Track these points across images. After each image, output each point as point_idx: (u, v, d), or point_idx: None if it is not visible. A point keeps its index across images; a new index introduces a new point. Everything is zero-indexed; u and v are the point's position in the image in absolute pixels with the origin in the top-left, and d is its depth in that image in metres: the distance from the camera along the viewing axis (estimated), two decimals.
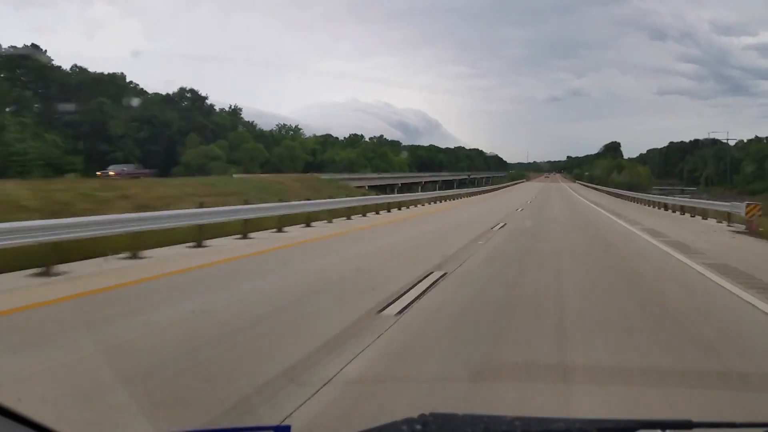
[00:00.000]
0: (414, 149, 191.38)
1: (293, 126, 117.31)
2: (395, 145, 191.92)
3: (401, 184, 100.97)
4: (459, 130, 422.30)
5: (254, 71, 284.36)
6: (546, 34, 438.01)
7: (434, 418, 1.37)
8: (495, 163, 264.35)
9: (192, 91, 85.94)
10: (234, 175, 52.34)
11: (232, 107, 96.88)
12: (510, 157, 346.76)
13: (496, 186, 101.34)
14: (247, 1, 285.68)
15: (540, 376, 4.73)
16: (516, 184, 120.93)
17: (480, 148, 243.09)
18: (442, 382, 4.67)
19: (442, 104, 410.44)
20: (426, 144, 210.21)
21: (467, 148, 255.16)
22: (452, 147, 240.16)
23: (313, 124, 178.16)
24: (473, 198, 57.27)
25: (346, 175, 77.91)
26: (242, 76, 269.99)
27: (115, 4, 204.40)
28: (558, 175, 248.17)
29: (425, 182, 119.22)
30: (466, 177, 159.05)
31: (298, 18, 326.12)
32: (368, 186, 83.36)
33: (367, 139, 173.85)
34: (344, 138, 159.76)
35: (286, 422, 3.51)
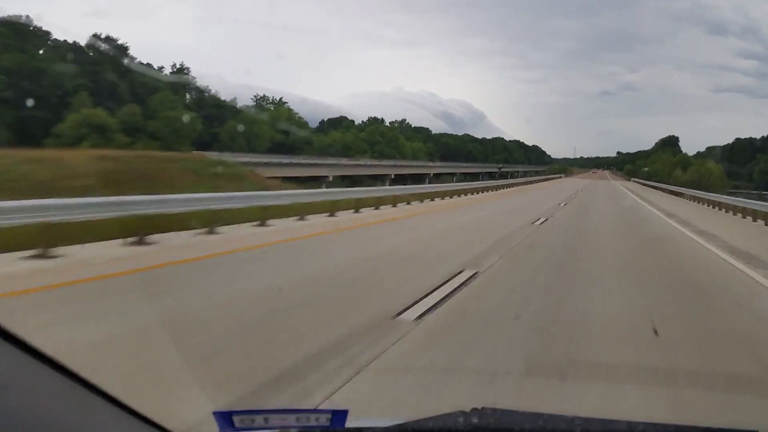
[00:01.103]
0: (438, 137, 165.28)
1: (276, 99, 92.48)
2: (421, 131, 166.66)
3: (394, 175, 75.09)
4: (504, 122, 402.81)
5: (299, 59, 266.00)
6: (598, 26, 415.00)
7: (492, 412, 1.34)
8: (536, 156, 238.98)
9: (109, 39, 61.91)
10: None
11: (179, 66, 72.73)
12: (556, 151, 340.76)
13: (519, 181, 73.76)
14: None
15: None
16: (550, 179, 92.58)
17: (521, 140, 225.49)
18: None
19: (487, 96, 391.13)
20: (471, 135, 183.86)
21: (507, 139, 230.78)
22: (489, 137, 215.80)
23: (358, 113, 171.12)
24: (484, 196, 38.45)
25: (285, 158, 52.85)
26: (288, 63, 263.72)
27: None
28: (606, 171, 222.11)
29: (435, 174, 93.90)
30: (497, 170, 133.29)
31: (345, 6, 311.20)
32: (335, 176, 58.04)
33: (387, 124, 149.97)
34: (362, 122, 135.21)
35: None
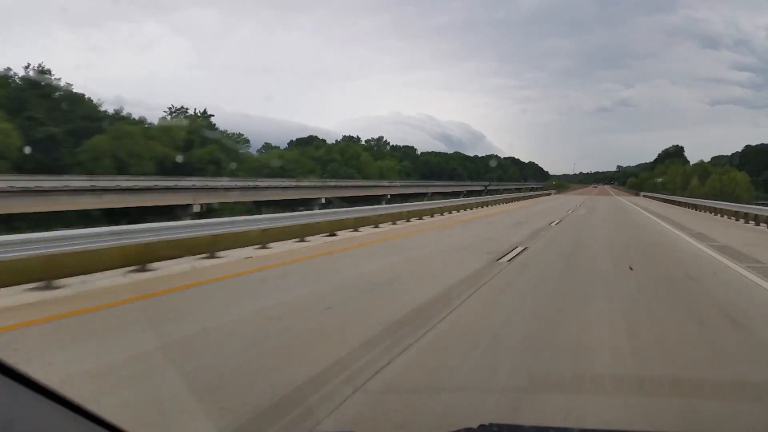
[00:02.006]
0: (418, 156, 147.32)
1: (200, 112, 73.34)
2: (399, 149, 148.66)
3: (325, 199, 55.33)
4: (503, 141, 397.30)
5: (298, 87, 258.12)
6: (591, 44, 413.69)
7: (498, 428, 1.31)
8: (533, 172, 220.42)
9: None
10: None
11: (37, 67, 53.54)
12: (555, 168, 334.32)
13: (492, 199, 53.75)
14: (290, 19, 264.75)
15: None
16: (534, 198, 72.09)
17: (517, 157, 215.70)
18: None
19: (485, 116, 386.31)
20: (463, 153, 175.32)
21: (501, 156, 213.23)
22: (481, 155, 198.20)
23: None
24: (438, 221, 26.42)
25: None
26: (286, 91, 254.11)
27: (166, 23, 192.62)
28: (607, 186, 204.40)
29: (400, 194, 74.82)
30: (483, 188, 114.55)
31: (341, 34, 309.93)
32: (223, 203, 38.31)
33: (363, 143, 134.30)
34: (336, 140, 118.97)
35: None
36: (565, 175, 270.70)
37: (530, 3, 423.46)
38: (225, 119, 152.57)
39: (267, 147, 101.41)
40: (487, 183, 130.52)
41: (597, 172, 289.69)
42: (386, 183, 74.15)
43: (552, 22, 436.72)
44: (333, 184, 61.95)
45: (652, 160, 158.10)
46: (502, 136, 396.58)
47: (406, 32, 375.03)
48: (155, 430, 3.42)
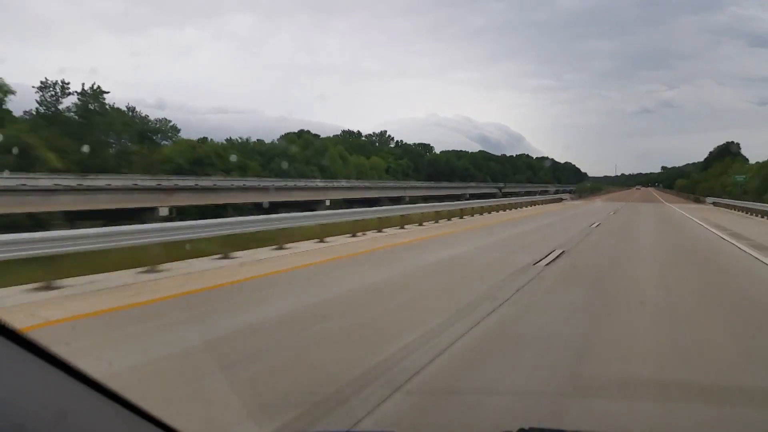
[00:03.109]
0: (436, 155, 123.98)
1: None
2: (411, 148, 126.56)
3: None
4: (543, 143, 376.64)
5: (336, 89, 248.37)
6: (632, 45, 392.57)
7: None
8: (569, 174, 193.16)
9: None
10: None
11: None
12: (596, 170, 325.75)
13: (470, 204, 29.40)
14: (328, 23, 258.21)
15: None
16: (545, 203, 45.90)
17: (551, 157, 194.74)
18: None
19: (524, 118, 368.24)
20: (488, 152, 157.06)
21: (534, 157, 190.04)
22: (509, 155, 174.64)
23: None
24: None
25: None
26: (325, 94, 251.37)
27: (205, 29, 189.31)
28: (652, 189, 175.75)
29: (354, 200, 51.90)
30: (498, 190, 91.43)
31: (377, 38, 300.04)
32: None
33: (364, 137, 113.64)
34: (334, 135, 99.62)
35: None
36: (606, 177, 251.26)
37: (570, 4, 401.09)
38: (266, 124, 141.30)
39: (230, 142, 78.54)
40: (502, 185, 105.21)
41: (640, 174, 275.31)
42: (320, 183, 50.25)
43: (592, 22, 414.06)
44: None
45: (699, 160, 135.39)
46: (541, 137, 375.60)
47: (443, 34, 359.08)
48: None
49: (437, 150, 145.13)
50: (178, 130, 66.20)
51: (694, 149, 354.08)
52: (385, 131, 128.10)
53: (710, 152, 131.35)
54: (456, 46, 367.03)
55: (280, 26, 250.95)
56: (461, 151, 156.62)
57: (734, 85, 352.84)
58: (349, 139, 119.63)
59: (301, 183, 50.14)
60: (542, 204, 37.73)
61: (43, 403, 0.82)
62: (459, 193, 78.87)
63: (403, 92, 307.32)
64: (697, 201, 53.22)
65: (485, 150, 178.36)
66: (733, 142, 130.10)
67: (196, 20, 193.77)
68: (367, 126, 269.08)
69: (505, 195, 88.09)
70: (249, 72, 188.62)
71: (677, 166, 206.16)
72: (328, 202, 47.38)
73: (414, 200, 59.69)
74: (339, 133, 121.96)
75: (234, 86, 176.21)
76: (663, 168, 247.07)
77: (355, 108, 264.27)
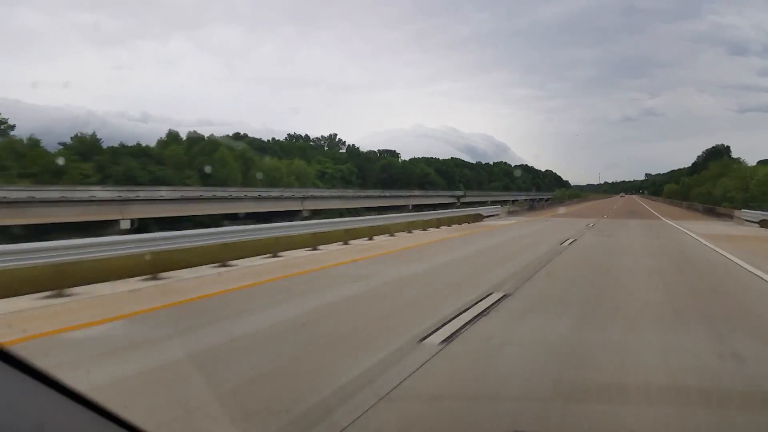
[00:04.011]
0: (372, 160, 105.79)
1: None
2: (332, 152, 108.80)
3: None
4: (527, 152, 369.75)
5: (321, 101, 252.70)
6: (615, 53, 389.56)
7: None
8: (551, 181, 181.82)
9: None
10: None
11: None
12: (580, 178, 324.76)
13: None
14: (312, 35, 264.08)
15: None
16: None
17: (532, 165, 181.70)
18: None
19: (509, 127, 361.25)
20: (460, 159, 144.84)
21: (512, 164, 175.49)
22: (485, 162, 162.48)
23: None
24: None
25: None
26: (310, 106, 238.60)
27: (191, 41, 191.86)
28: (636, 196, 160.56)
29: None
30: (456, 199, 78.48)
31: (363, 49, 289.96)
32: None
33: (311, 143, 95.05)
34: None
35: None
36: (589, 185, 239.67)
37: (553, 13, 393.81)
38: (255, 135, 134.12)
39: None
40: (461, 193, 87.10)
41: (623, 182, 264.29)
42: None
43: (576, 31, 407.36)
44: None
45: (683, 166, 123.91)
46: (526, 147, 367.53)
47: (428, 44, 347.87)
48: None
49: (406, 158, 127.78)
50: (12, 126, 47.38)
51: (678, 156, 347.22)
52: (335, 134, 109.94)
53: (698, 156, 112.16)
54: (441, 56, 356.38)
55: (264, 38, 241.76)
56: (431, 158, 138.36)
57: (715, 93, 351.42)
58: (295, 142, 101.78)
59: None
60: (447, 225, 19.56)
61: (21, 415, 0.79)
62: (401, 204, 60.92)
63: (389, 103, 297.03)
64: (713, 214, 33.80)
65: (471, 160, 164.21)
66: (722, 144, 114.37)
67: (180, 32, 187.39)
68: (355, 137, 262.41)
69: (464, 205, 70.75)
70: (234, 84, 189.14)
71: (662, 172, 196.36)
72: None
73: (330, 214, 41.69)
74: (284, 137, 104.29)
75: (219, 98, 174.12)
76: (647, 175, 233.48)
77: (340, 120, 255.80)
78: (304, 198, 44.80)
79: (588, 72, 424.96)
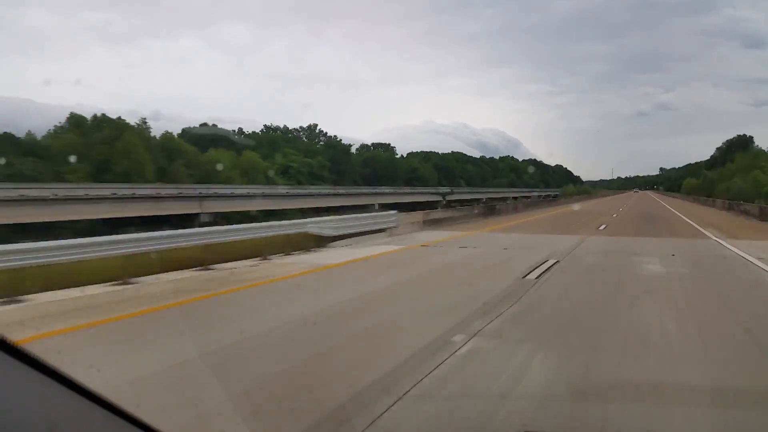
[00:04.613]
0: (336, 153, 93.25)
1: None
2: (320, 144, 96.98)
3: None
4: (539, 148, 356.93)
5: (331, 98, 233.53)
6: (627, 48, 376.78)
7: None
8: (561, 177, 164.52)
9: None
10: None
11: None
12: (593, 173, 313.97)
13: None
14: (321, 33, 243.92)
15: None
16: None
17: (540, 160, 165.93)
18: None
19: (521, 123, 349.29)
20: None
21: (520, 159, 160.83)
22: (490, 157, 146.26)
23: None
24: None
25: None
26: (320, 103, 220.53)
27: (202, 39, 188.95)
28: (651, 192, 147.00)
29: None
30: (441, 197, 67.26)
31: (372, 46, 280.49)
32: None
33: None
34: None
35: None
36: (602, 181, 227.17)
37: (564, 8, 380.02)
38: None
39: None
40: (448, 190, 74.37)
41: (637, 177, 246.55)
42: None
43: (587, 26, 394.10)
44: None
45: (698, 160, 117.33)
46: (538, 142, 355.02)
47: (438, 40, 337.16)
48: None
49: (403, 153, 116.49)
50: None
51: (692, 151, 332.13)
52: (316, 125, 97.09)
53: (717, 148, 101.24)
54: (451, 52, 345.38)
55: (274, 35, 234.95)
56: (430, 152, 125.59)
57: (729, 87, 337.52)
58: (269, 133, 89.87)
59: None
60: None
61: (35, 413, 0.78)
62: (365, 203, 48.84)
63: (399, 100, 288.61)
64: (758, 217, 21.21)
65: (485, 156, 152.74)
66: (745, 135, 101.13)
67: (190, 31, 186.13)
68: (366, 134, 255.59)
69: (450, 204, 58.75)
70: (244, 81, 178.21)
71: (677, 166, 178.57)
72: None
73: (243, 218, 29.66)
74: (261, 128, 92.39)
75: (229, 96, 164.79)
76: (661, 170, 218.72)
77: (350, 116, 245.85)
78: (203, 197, 32.65)
79: (600, 67, 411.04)
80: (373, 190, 53.87)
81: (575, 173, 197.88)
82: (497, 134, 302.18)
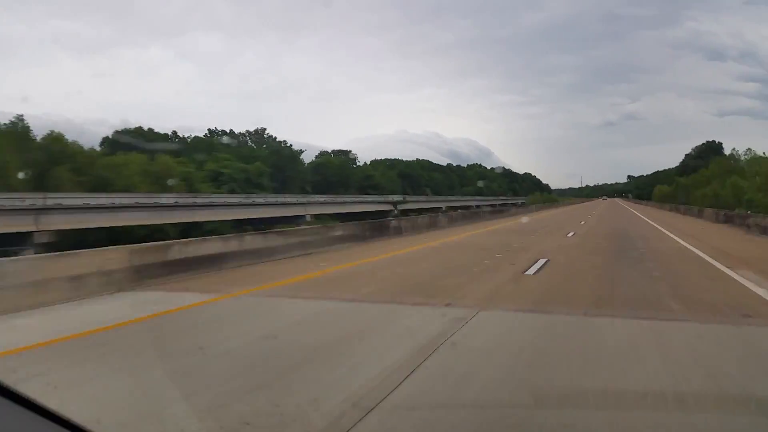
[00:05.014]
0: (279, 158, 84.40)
1: None
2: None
3: None
4: (511, 157, 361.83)
5: (304, 108, 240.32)
6: (596, 59, 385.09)
7: None
8: (530, 185, 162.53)
9: None
10: None
11: None
12: (562, 182, 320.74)
13: None
14: (294, 43, 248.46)
15: None
16: None
17: (509, 168, 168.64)
18: None
19: (492, 133, 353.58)
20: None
21: (488, 168, 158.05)
22: (457, 165, 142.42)
23: (362, 156, 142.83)
24: None
25: None
26: (293, 113, 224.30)
27: (170, 48, 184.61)
28: (620, 199, 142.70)
29: None
30: (392, 206, 60.06)
31: (344, 56, 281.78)
32: None
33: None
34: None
35: None
36: (571, 189, 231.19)
37: (535, 20, 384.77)
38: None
39: None
40: (400, 198, 66.03)
41: (605, 185, 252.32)
42: None
43: (557, 38, 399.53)
44: None
45: (665, 168, 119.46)
46: (509, 151, 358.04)
47: (411, 51, 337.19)
48: None
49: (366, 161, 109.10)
50: None
51: (660, 159, 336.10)
52: (264, 129, 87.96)
53: (686, 155, 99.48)
54: (424, 63, 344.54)
55: (246, 45, 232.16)
56: (396, 159, 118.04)
57: (695, 97, 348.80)
58: (213, 138, 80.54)
59: None
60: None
61: None
62: (294, 213, 40.23)
63: (373, 109, 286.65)
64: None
65: (455, 165, 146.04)
66: (714, 141, 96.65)
67: (160, 40, 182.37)
68: (339, 143, 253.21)
69: (404, 214, 51.25)
70: (216, 91, 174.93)
71: (645, 174, 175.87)
72: None
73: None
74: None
75: (200, 106, 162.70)
76: (629, 177, 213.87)
77: (324, 125, 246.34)
78: (40, 210, 23.58)
79: (570, 78, 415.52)
80: (304, 200, 45.09)
81: (545, 182, 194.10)
82: (469, 143, 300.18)
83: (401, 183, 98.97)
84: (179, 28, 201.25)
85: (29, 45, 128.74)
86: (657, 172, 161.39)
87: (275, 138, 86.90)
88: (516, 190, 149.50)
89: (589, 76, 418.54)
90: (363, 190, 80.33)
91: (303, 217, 42.24)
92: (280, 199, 41.86)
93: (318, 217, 45.11)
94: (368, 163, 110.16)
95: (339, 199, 49.36)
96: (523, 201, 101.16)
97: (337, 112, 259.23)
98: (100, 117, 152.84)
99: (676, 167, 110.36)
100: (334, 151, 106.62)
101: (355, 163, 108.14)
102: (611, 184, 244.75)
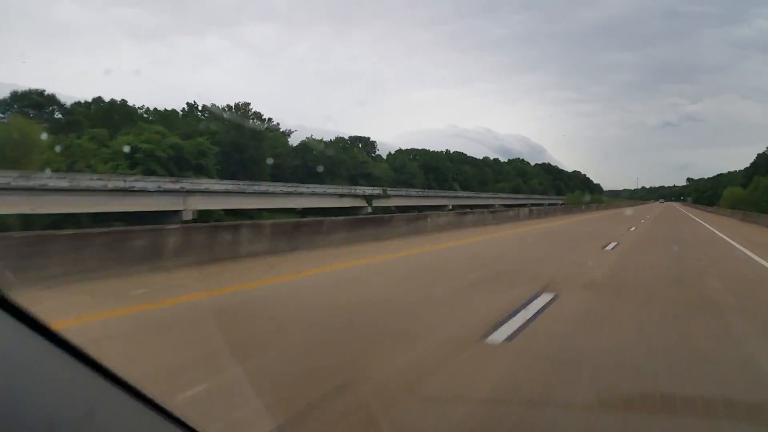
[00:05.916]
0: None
1: None
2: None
3: None
4: (565, 155, 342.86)
5: (355, 100, 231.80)
6: (655, 58, 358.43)
7: None
8: (577, 184, 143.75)
9: None
10: None
11: None
12: (617, 182, 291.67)
13: None
14: (347, 34, 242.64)
15: None
16: None
17: (555, 165, 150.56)
18: None
19: (545, 130, 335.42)
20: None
21: (532, 163, 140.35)
22: (493, 158, 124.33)
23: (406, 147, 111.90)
24: None
25: None
26: (343, 105, 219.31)
27: (228, 39, 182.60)
28: (677, 204, 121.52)
29: None
30: (365, 201, 46.41)
31: (396, 49, 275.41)
32: None
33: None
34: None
35: None
36: (626, 190, 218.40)
37: (592, 16, 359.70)
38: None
39: None
40: (378, 192, 49.66)
41: (662, 187, 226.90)
42: None
43: (615, 35, 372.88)
44: None
45: (727, 171, 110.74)
46: (563, 149, 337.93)
47: (463, 45, 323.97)
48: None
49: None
50: None
51: (722, 163, 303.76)
52: (248, 103, 72.46)
53: (758, 155, 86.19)
54: (476, 57, 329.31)
55: (299, 37, 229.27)
56: (422, 149, 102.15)
57: (760, 99, 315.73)
58: (187, 113, 66.72)
59: None
60: None
61: (73, 400, 0.78)
62: (167, 209, 25.24)
63: (423, 103, 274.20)
64: None
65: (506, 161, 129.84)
66: None
67: (217, 29, 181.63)
68: (389, 136, 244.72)
69: (387, 212, 35.60)
70: (268, 81, 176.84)
71: (706, 177, 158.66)
72: None
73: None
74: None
75: (254, 96, 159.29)
76: (689, 179, 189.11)
77: (374, 118, 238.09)
78: None
79: (627, 76, 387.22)
80: (190, 186, 29.25)
81: (596, 181, 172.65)
82: (521, 140, 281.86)
83: (425, 176, 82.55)
84: (235, 18, 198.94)
85: (91, 31, 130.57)
86: (720, 175, 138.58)
87: (261, 115, 71.91)
88: (560, 189, 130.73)
89: (648, 75, 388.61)
90: (354, 180, 64.59)
91: (178, 214, 26.85)
92: (139, 184, 26.27)
93: (206, 213, 29.49)
94: (392, 152, 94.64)
95: (256, 187, 33.31)
96: (563, 202, 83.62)
97: (388, 105, 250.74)
98: (161, 104, 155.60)
99: (745, 169, 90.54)
100: (351, 138, 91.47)
101: (374, 152, 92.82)
102: (668, 187, 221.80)
